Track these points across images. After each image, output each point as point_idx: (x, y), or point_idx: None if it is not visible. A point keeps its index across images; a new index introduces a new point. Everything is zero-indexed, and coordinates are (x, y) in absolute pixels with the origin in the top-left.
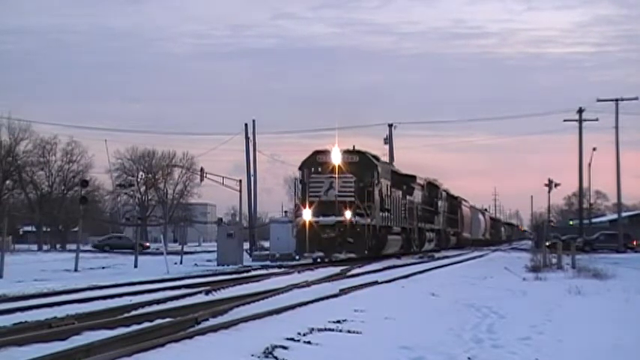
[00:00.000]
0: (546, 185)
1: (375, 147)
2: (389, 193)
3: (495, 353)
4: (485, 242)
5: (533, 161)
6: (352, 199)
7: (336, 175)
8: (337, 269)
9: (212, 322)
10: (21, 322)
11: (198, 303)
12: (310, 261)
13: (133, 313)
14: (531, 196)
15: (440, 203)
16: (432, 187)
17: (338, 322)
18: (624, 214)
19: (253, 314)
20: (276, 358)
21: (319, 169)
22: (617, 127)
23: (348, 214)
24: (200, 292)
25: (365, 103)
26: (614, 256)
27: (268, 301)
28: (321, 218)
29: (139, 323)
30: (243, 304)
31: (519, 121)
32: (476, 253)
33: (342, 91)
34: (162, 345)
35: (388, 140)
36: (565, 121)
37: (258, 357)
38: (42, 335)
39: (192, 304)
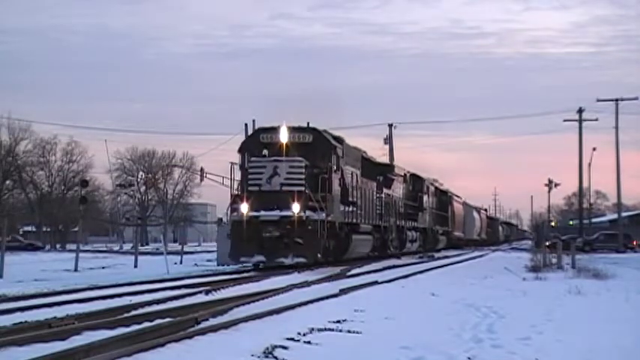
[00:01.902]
0: (546, 185)
1: (375, 147)
2: (357, 183)
3: (495, 353)
4: (480, 243)
5: (533, 161)
6: (302, 188)
7: (283, 159)
8: (337, 269)
9: (212, 322)
10: (21, 322)
11: (198, 303)
12: (243, 266)
13: (133, 313)
14: (531, 196)
15: (425, 198)
16: (416, 180)
17: (338, 322)
18: (624, 214)
19: (253, 314)
20: (276, 358)
21: (263, 151)
22: (617, 127)
23: (295, 208)
24: (200, 292)
25: (365, 103)
26: (614, 256)
27: (268, 301)
28: (261, 213)
29: (139, 323)
30: (243, 304)
31: (519, 121)
32: (476, 253)
33: (341, 91)
34: (162, 345)
35: (388, 140)
36: (565, 121)
37: (258, 357)
38: (42, 335)
39: (192, 304)
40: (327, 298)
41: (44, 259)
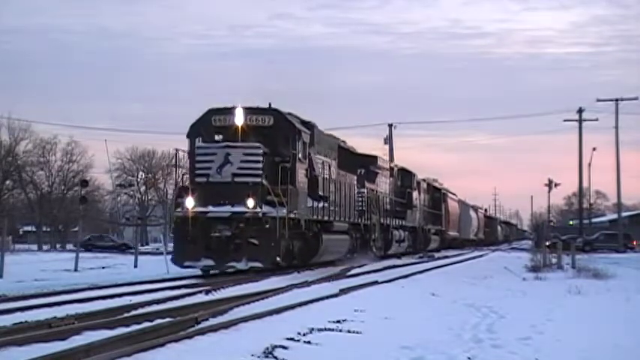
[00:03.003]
0: (546, 185)
1: (376, 147)
2: (331, 175)
3: (495, 353)
4: (477, 243)
5: (533, 161)
6: (258, 179)
7: (236, 144)
8: (337, 269)
9: (212, 322)
10: (21, 322)
11: (198, 303)
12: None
13: (133, 313)
14: (531, 196)
15: (415, 195)
16: (404, 175)
17: (338, 322)
18: (624, 214)
19: (253, 314)
20: (276, 358)
21: (216, 136)
22: (617, 127)
23: (250, 203)
24: (200, 292)
25: (365, 103)
26: (614, 256)
27: (268, 301)
28: (209, 209)
29: (139, 323)
30: (243, 304)
31: (519, 121)
32: (476, 253)
33: (341, 91)
34: (162, 345)
35: (388, 140)
36: (565, 121)
37: (258, 357)
38: (42, 335)
39: (192, 304)
40: (327, 298)
41: (44, 259)
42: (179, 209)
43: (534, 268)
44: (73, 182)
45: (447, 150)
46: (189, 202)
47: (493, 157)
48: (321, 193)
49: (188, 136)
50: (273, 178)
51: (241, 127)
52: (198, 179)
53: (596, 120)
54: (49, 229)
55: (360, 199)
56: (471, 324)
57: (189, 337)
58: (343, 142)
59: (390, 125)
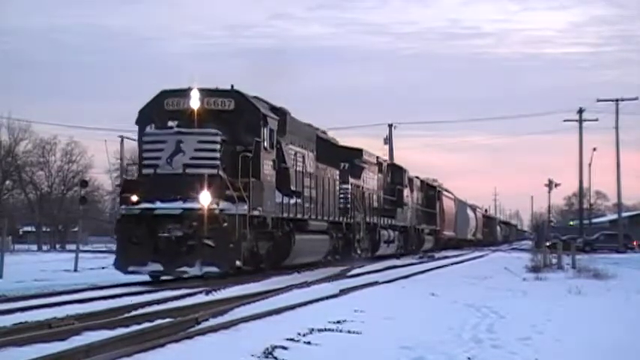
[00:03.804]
0: (546, 185)
1: (376, 147)
2: (305, 168)
3: (495, 353)
4: (475, 243)
5: (533, 161)
6: (214, 170)
7: (189, 130)
8: (337, 269)
9: (212, 322)
10: (21, 322)
11: (198, 303)
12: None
13: (133, 313)
14: (531, 196)
15: (407, 192)
16: (395, 171)
17: (338, 322)
18: (624, 214)
19: (253, 314)
20: (276, 358)
21: (169, 122)
22: (617, 127)
23: (205, 198)
24: (200, 292)
25: (365, 103)
26: (614, 256)
27: (268, 301)
28: (157, 204)
29: (139, 323)
30: (243, 304)
31: (519, 121)
32: (476, 254)
33: (341, 91)
34: (163, 345)
35: (388, 140)
36: (565, 121)
37: (258, 357)
38: (42, 335)
39: (192, 304)
40: (327, 298)
41: (44, 259)
42: (124, 206)
43: (534, 269)
44: (73, 182)
45: (447, 150)
46: (134, 198)
47: (493, 157)
48: (293, 187)
49: (137, 122)
50: (233, 170)
51: (197, 111)
52: (145, 171)
53: (596, 120)
54: (48, 229)
55: (343, 195)
56: (471, 324)
57: (190, 337)
58: (323, 132)
59: (390, 125)
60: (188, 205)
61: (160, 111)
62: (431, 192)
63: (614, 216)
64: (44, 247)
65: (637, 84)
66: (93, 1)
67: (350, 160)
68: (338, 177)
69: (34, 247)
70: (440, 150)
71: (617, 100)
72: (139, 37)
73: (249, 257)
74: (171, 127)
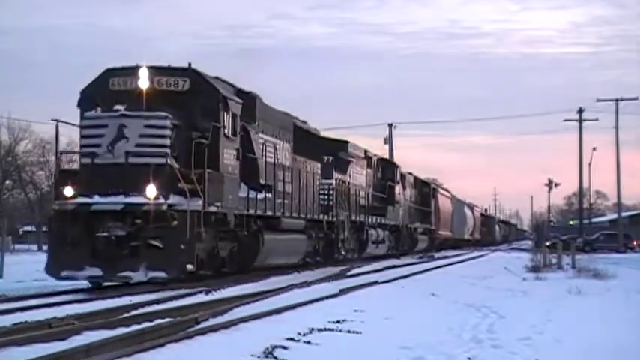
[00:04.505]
0: (546, 185)
1: (376, 147)
2: (278, 160)
3: (495, 353)
4: (473, 243)
5: (533, 161)
6: (163, 160)
7: (134, 113)
8: (337, 269)
9: (212, 321)
10: (21, 322)
11: (197, 303)
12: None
13: (133, 312)
14: (531, 196)
15: (398, 189)
16: (386, 166)
17: (338, 322)
18: (624, 214)
19: (253, 314)
20: (276, 358)
21: (114, 104)
22: (617, 127)
23: (150, 192)
24: (200, 291)
25: (365, 103)
26: (614, 256)
27: (268, 300)
28: (96, 199)
29: (139, 323)
30: (243, 304)
31: (519, 121)
32: (475, 253)
33: (340, 91)
34: (162, 345)
35: (388, 140)
36: (565, 121)
37: (258, 357)
38: (42, 335)
39: (191, 304)
40: (327, 298)
41: (44, 259)
42: (57, 202)
43: (534, 268)
44: None
45: (447, 150)
46: (69, 191)
47: (493, 157)
48: (262, 181)
49: (79, 104)
50: (188, 160)
51: (147, 91)
52: (83, 160)
53: (596, 120)
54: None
55: (325, 191)
56: (471, 324)
57: (189, 337)
58: (303, 122)
59: (390, 125)
60: (131, 199)
61: (105, 92)
62: (425, 189)
63: (614, 216)
64: (44, 247)
65: (637, 84)
66: (93, 1)
67: (334, 153)
68: (319, 171)
69: (34, 247)
70: (440, 150)
71: (617, 100)
72: (139, 37)
73: (206, 260)
74: (116, 111)
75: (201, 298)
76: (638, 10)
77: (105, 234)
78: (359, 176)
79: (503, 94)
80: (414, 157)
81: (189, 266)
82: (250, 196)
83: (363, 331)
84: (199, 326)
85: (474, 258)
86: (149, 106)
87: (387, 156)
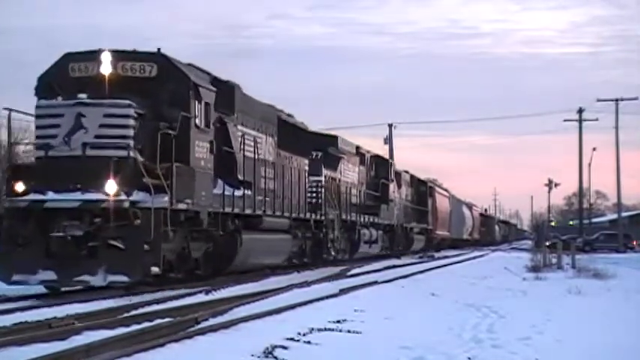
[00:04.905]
0: (546, 185)
1: (376, 147)
2: (259, 155)
3: (495, 353)
4: (472, 243)
5: (533, 161)
6: (125, 152)
7: (93, 101)
8: (337, 269)
9: (212, 321)
10: (21, 322)
11: (197, 303)
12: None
13: (133, 312)
14: (531, 196)
15: (393, 187)
16: (379, 163)
17: (338, 322)
18: (624, 214)
19: (253, 314)
20: (276, 358)
21: (74, 92)
22: (617, 127)
23: (111, 187)
24: (200, 291)
25: (365, 103)
26: (614, 256)
27: (268, 300)
28: (50, 195)
29: (139, 323)
30: (243, 304)
31: (519, 121)
32: (475, 253)
33: (340, 91)
34: (162, 345)
35: (388, 140)
36: (565, 121)
37: (258, 357)
38: (42, 335)
39: (191, 304)
40: (327, 298)
41: None
42: (8, 198)
43: (534, 268)
44: None
45: (447, 150)
46: (20, 187)
47: (493, 157)
48: (241, 177)
49: (37, 92)
50: (153, 153)
51: (109, 78)
52: (37, 152)
53: (596, 120)
54: None
55: (313, 189)
56: (471, 324)
57: (189, 337)
58: (289, 115)
59: (390, 125)
60: (89, 196)
61: (65, 79)
62: (422, 188)
63: (614, 216)
64: None
65: (637, 84)
66: (93, 0)
67: (323, 148)
68: (307, 167)
69: None
70: (440, 150)
71: (617, 100)
72: (139, 37)
73: (176, 262)
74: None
75: (201, 298)
76: (637, 10)
77: (60, 234)
78: (350, 173)
79: (503, 94)
80: (414, 157)
81: (154, 269)
82: (227, 192)
83: (363, 331)
84: (199, 326)
85: (473, 258)
86: (112, 94)
87: (387, 156)
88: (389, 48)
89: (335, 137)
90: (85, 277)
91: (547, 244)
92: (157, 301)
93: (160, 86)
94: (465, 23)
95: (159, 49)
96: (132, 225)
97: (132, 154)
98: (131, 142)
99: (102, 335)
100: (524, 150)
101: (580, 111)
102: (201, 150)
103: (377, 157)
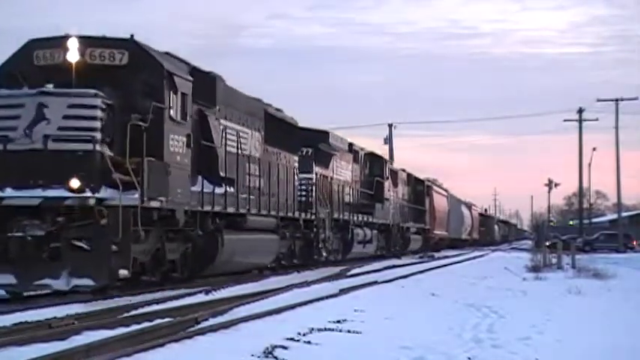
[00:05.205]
0: (546, 185)
1: (376, 147)
2: (243, 151)
3: (495, 353)
4: (471, 243)
5: (533, 161)
6: (90, 145)
7: (57, 91)
8: (337, 269)
9: (212, 321)
10: (21, 322)
11: (197, 303)
12: None
13: (133, 312)
14: (531, 196)
15: (388, 186)
16: (374, 161)
17: (338, 322)
18: (624, 214)
19: (253, 314)
20: (276, 358)
21: (40, 81)
22: (617, 127)
23: (74, 183)
24: (200, 291)
25: (365, 103)
26: (614, 256)
27: (268, 300)
28: (8, 192)
29: (139, 323)
30: (243, 304)
31: (519, 121)
32: (475, 253)
33: (340, 91)
34: (162, 345)
35: (388, 140)
36: (565, 121)
37: (258, 357)
38: (42, 335)
39: (191, 304)
40: (327, 298)
41: None
42: None
43: (534, 268)
44: None
45: (447, 150)
46: None
47: (493, 157)
48: (222, 173)
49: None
50: (117, 144)
51: (76, 66)
52: None
53: (596, 120)
54: None
55: (304, 187)
56: (471, 324)
57: (189, 337)
58: (278, 109)
59: (390, 125)
60: (51, 193)
61: (29, 67)
62: (419, 187)
63: (614, 216)
64: None
65: (637, 84)
66: (93, 0)
67: (314, 145)
68: (297, 164)
69: None
70: (440, 150)
71: (617, 100)
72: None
73: (150, 264)
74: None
75: (201, 298)
76: (637, 10)
77: (19, 234)
78: (343, 171)
79: (503, 94)
80: (414, 158)
81: (123, 272)
82: (206, 190)
83: (363, 331)
84: (199, 326)
85: (473, 258)
86: (80, 83)
87: (386, 155)
88: (389, 48)
89: (326, 133)
90: (47, 281)
91: (547, 244)
92: (157, 301)
93: (131, 75)
94: (465, 23)
95: (132, 35)
96: (98, 224)
97: (98, 147)
98: (98, 135)
99: (102, 335)
100: (524, 150)
101: (580, 111)
102: (176, 144)
103: (371, 155)
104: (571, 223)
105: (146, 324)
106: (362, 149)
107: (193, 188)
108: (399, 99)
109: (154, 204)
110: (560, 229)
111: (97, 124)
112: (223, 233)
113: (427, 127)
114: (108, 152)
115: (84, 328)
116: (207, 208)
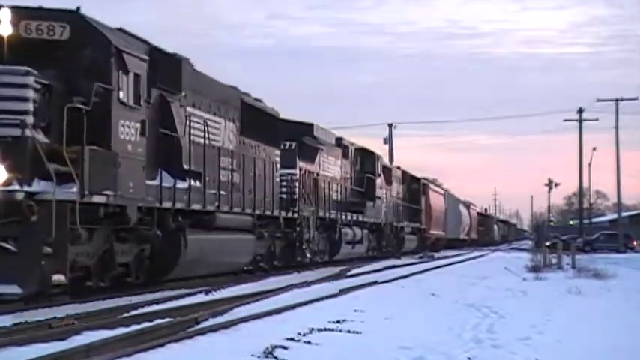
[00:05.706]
0: (546, 185)
1: (376, 147)
2: (212, 141)
3: (495, 353)
4: (469, 244)
5: (533, 161)
6: (18, 131)
7: None
8: (337, 269)
9: (212, 321)
10: (21, 322)
11: (197, 303)
12: None
13: (133, 312)
14: (531, 196)
15: (380, 183)
16: (365, 157)
17: (338, 322)
18: (624, 214)
19: (253, 314)
20: (276, 358)
21: None
22: (617, 127)
23: (1, 175)
24: (200, 292)
25: (365, 103)
26: (614, 256)
27: (268, 300)
28: None
29: (139, 323)
30: (243, 304)
31: (519, 121)
32: (475, 253)
33: (340, 91)
34: (162, 345)
35: (388, 140)
36: (565, 121)
37: (258, 357)
38: (42, 335)
39: (191, 304)
40: (327, 298)
41: None
42: None
43: (534, 268)
44: None
45: (447, 150)
46: None
47: (493, 157)
48: (186, 166)
49: None
50: (58, 132)
51: (9, 40)
52: None
53: (596, 120)
54: None
55: (285, 183)
56: (471, 324)
57: (189, 337)
58: (257, 99)
59: (390, 125)
60: None
61: None
62: (415, 185)
63: (614, 216)
64: None
65: (637, 84)
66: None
67: (297, 138)
68: (278, 158)
69: None
70: (440, 150)
71: (617, 100)
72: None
73: (96, 267)
74: None
75: (201, 298)
76: (637, 10)
77: None
78: (331, 167)
79: (502, 94)
80: (414, 158)
81: (58, 277)
82: (166, 184)
83: (363, 331)
84: (199, 326)
85: (473, 258)
86: (12, 60)
87: (386, 156)
88: (389, 48)
89: (310, 125)
90: None
91: (547, 244)
92: (157, 301)
93: (74, 52)
94: (465, 23)
95: (78, 7)
96: (27, 222)
97: (29, 133)
98: (29, 119)
99: (102, 335)
100: (524, 150)
101: (580, 111)
102: (127, 131)
103: (362, 151)
104: (571, 223)
105: (146, 324)
106: (352, 144)
107: (150, 182)
108: (399, 99)
109: (98, 199)
110: (560, 229)
111: (29, 106)
112: (187, 233)
113: (427, 127)
114: (43, 139)
115: (84, 328)
116: (167, 204)
